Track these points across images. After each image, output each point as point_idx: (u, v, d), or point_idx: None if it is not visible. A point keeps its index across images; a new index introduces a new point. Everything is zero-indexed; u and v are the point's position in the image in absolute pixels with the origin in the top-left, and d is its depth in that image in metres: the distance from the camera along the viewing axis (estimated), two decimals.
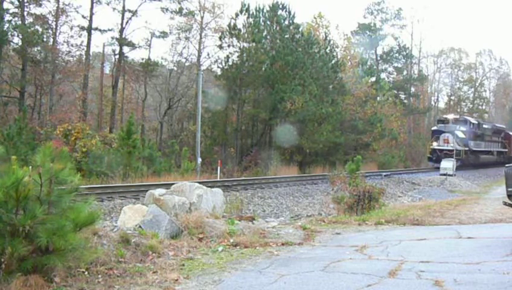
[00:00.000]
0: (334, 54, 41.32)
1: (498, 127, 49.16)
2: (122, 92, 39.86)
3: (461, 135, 38.57)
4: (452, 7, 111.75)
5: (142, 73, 37.37)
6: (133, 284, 4.93)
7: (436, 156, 36.65)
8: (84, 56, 34.36)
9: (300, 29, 37.36)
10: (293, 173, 28.58)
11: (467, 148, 38.56)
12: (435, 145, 38.32)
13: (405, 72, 61.41)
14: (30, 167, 4.61)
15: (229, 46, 35.80)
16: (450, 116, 41.22)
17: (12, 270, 4.41)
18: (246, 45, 34.99)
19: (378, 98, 52.21)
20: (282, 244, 7.13)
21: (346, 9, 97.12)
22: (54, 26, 32.08)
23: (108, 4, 34.56)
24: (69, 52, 32.25)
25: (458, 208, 12.41)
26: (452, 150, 36.26)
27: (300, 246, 7.12)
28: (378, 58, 58.92)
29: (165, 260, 5.88)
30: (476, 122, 43.40)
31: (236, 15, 35.42)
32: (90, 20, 33.33)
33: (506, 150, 48.00)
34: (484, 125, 44.49)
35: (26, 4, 29.92)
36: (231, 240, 7.02)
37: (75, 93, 35.35)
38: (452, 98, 75.61)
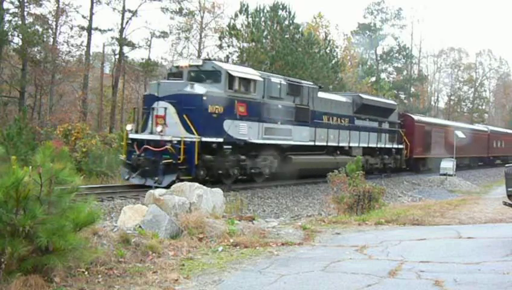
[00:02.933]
0: (334, 54, 41.33)
1: (379, 100, 27.62)
2: (122, 92, 39.87)
3: (200, 105, 15.85)
4: (452, 7, 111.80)
5: (142, 73, 37.37)
6: (133, 284, 4.93)
7: (134, 161, 15.78)
8: (84, 56, 34.38)
9: (300, 29, 37.37)
10: None
11: (209, 140, 15.89)
12: (131, 131, 16.78)
13: (405, 72, 61.46)
14: (30, 167, 4.61)
15: (228, 46, 35.84)
16: (185, 63, 17.81)
17: (12, 270, 4.41)
18: (245, 44, 35.01)
19: None
20: (282, 244, 7.13)
21: (346, 9, 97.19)
22: (54, 26, 32.12)
23: (108, 4, 34.58)
24: (69, 52, 32.27)
25: (458, 208, 12.41)
26: (163, 145, 15.35)
27: (300, 246, 7.12)
28: (378, 58, 58.92)
29: (165, 260, 5.88)
30: (276, 78, 19.32)
31: (236, 15, 35.46)
32: (90, 20, 33.35)
33: (401, 146, 28.07)
34: (300, 84, 20.51)
35: (26, 4, 29.90)
36: (231, 240, 7.02)
37: (75, 93, 35.36)
38: (452, 98, 75.64)
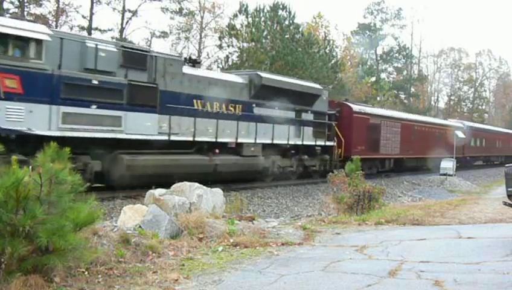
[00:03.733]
0: (334, 54, 41.36)
1: (292, 82, 20.69)
2: None
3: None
4: (452, 7, 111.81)
5: None
6: (133, 284, 4.93)
7: None
8: None
9: (300, 29, 37.39)
10: None
11: None
12: None
13: (405, 72, 61.54)
14: (30, 167, 4.61)
15: (228, 46, 35.88)
16: None
17: (12, 270, 4.41)
18: (245, 44, 35.04)
19: (378, 98, 52.29)
20: (282, 244, 7.13)
21: (346, 9, 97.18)
22: (54, 26, 32.11)
23: (108, 4, 34.69)
24: None
25: (458, 208, 12.41)
26: None
27: (300, 246, 7.12)
28: (378, 58, 59.00)
29: (165, 260, 5.88)
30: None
31: (236, 15, 35.48)
32: (90, 20, 33.41)
33: (332, 143, 22.71)
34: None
35: (26, 4, 29.96)
36: (231, 240, 7.02)
37: None
38: (452, 98, 75.69)
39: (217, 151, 16.78)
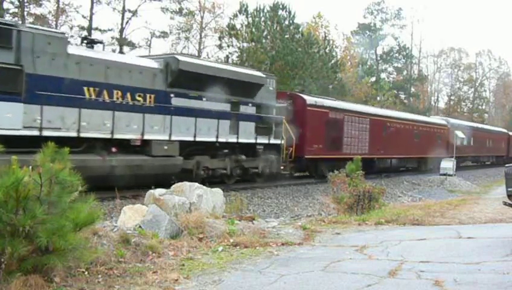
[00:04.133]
0: (334, 54, 41.39)
1: (222, 69, 17.56)
2: None
3: None
4: (452, 7, 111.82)
5: None
6: (133, 284, 4.93)
7: None
8: None
9: (300, 29, 37.41)
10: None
11: None
12: None
13: (405, 72, 61.56)
14: (30, 167, 4.61)
15: (228, 46, 35.92)
16: None
17: (12, 270, 4.41)
18: (245, 44, 35.06)
19: (378, 98, 52.27)
20: (282, 244, 7.13)
21: (346, 9, 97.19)
22: (54, 26, 32.11)
23: (108, 4, 34.71)
24: None
25: (458, 208, 12.41)
26: None
27: (300, 246, 7.12)
28: (378, 58, 59.02)
29: (165, 260, 5.88)
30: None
31: (236, 15, 35.50)
32: (90, 20, 33.42)
33: (278, 141, 19.41)
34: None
35: (26, 4, 29.96)
36: (231, 240, 7.02)
37: None
38: (452, 98, 75.72)
39: (113, 150, 13.80)
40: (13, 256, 4.41)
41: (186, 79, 15.42)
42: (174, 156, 15.27)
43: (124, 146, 14.14)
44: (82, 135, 13.08)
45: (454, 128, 34.96)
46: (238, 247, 6.80)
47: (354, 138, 24.68)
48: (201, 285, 5.06)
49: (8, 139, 10.20)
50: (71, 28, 33.18)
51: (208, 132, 16.29)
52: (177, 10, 37.71)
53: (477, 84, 76.91)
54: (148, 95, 14.60)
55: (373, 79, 54.73)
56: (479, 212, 11.40)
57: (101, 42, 15.33)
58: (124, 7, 35.02)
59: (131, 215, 7.24)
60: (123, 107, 14.07)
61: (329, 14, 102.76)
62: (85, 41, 14.74)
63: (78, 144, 12.82)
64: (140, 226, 6.80)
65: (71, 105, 12.83)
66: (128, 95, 14.19)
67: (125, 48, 35.87)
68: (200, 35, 41.82)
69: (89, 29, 33.05)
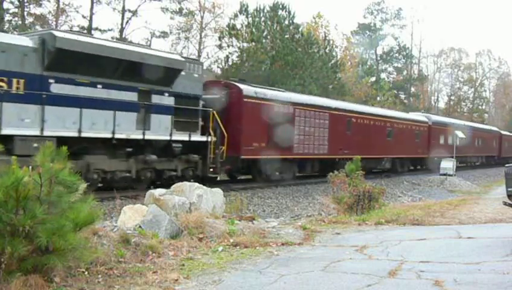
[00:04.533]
0: (334, 54, 41.41)
1: (119, 49, 13.97)
2: None
3: None
4: (452, 7, 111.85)
5: None
6: (133, 284, 4.93)
7: None
8: None
9: (300, 29, 37.43)
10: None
11: None
12: None
13: (405, 72, 61.58)
14: (30, 167, 4.61)
15: (228, 46, 35.93)
16: None
17: (12, 270, 4.41)
18: (245, 44, 35.08)
19: (378, 98, 52.25)
20: (282, 244, 7.13)
21: (346, 9, 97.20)
22: (54, 26, 32.12)
23: (108, 4, 34.71)
24: None
25: (458, 208, 12.41)
26: None
27: (300, 246, 7.12)
28: (378, 58, 59.03)
29: (165, 260, 5.88)
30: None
31: (236, 15, 35.53)
32: (90, 20, 33.43)
33: (204, 138, 16.50)
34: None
35: (26, 4, 29.95)
36: (231, 240, 7.02)
37: None
38: (452, 98, 75.72)
39: None
40: (13, 256, 4.41)
41: (70, 61, 12.58)
42: None
43: None
44: None
45: (436, 126, 32.45)
46: (238, 247, 6.80)
47: (308, 135, 21.13)
48: (201, 285, 5.06)
49: None
50: (71, 28, 33.15)
51: (103, 126, 13.47)
52: (177, 10, 37.73)
53: (477, 84, 76.90)
54: (14, 80, 11.81)
55: (373, 79, 54.74)
56: (479, 212, 11.40)
57: None
58: (124, 7, 35.06)
59: (131, 215, 7.24)
60: None
61: (329, 14, 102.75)
62: None
63: None
64: (140, 226, 6.80)
65: None
66: None
67: None
68: (200, 35, 41.85)
69: (89, 29, 33.06)
